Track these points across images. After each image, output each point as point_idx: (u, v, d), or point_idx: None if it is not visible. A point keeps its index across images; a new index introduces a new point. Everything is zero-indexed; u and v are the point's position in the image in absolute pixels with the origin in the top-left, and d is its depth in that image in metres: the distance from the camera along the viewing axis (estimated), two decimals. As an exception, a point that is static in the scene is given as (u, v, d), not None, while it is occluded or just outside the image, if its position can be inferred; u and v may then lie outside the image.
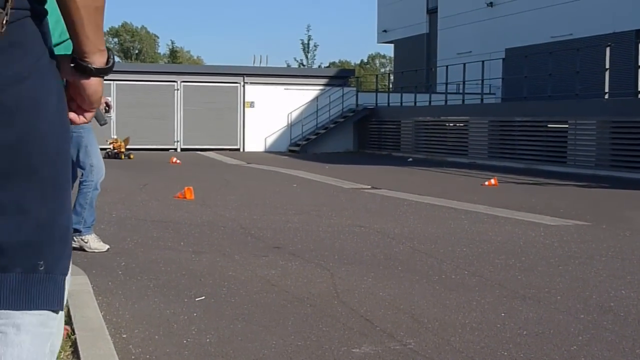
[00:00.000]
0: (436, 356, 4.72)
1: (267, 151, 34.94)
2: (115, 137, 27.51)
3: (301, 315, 5.68)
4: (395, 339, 5.08)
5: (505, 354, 4.79)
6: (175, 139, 34.53)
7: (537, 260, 8.11)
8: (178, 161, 25.98)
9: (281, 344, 4.93)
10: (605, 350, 4.89)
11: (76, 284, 5.97)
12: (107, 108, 7.73)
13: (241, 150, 34.96)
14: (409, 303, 6.09)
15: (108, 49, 2.09)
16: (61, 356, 4.28)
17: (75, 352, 4.31)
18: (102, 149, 28.89)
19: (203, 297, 6.16)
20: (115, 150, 27.30)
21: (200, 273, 7.16)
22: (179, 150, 34.02)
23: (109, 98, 7.60)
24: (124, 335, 5.02)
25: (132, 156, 27.34)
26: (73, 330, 4.65)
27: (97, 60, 2.00)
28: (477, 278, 7.16)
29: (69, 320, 4.97)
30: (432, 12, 43.56)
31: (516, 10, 35.53)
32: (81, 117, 2.13)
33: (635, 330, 5.37)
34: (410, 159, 29.00)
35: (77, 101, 2.12)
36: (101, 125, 6.91)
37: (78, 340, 4.43)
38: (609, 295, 6.50)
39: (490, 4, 37.50)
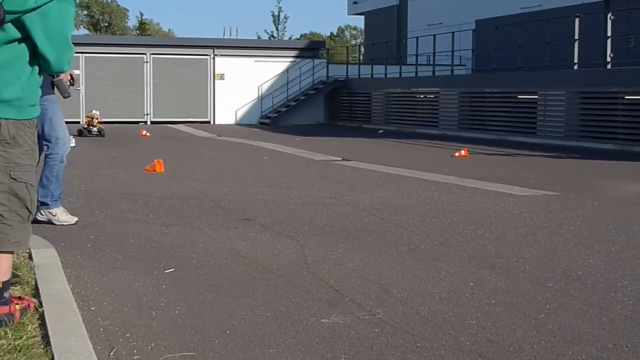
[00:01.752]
0: (405, 325, 4.73)
1: (237, 124, 34.82)
2: (95, 111, 25.53)
3: (270, 286, 5.68)
4: (364, 309, 5.09)
5: (474, 322, 4.82)
6: (145, 112, 34.29)
7: (506, 230, 8.15)
8: (148, 134, 25.81)
9: (250, 315, 4.93)
10: (572, 318, 4.93)
11: (44, 256, 5.94)
12: (71, 80, 7.62)
13: (211, 122, 34.81)
14: (378, 273, 6.10)
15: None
16: (29, 329, 4.25)
17: (43, 324, 4.28)
18: (70, 122, 28.52)
19: (172, 269, 6.14)
20: (93, 127, 24.85)
21: (170, 245, 7.14)
22: (148, 123, 33.81)
23: (76, 71, 7.51)
24: (93, 308, 4.99)
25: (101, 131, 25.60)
26: (41, 303, 4.62)
27: None
28: (446, 248, 7.18)
29: (36, 293, 4.94)
30: (402, -17, 43.46)
31: (486, -19, 35.53)
32: None
33: (602, 298, 5.41)
34: (381, 131, 29.02)
35: None
36: (65, 97, 6.81)
37: (45, 313, 4.40)
38: (576, 264, 6.55)
39: (461, -25, 37.46)
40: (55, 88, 7.06)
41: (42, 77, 4.59)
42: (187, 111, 34.57)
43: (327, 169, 15.00)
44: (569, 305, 5.22)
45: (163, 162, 14.03)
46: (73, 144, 19.54)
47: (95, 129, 24.56)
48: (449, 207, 9.77)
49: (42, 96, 5.80)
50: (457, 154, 18.02)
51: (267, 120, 34.42)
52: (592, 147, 20.37)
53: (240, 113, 35.42)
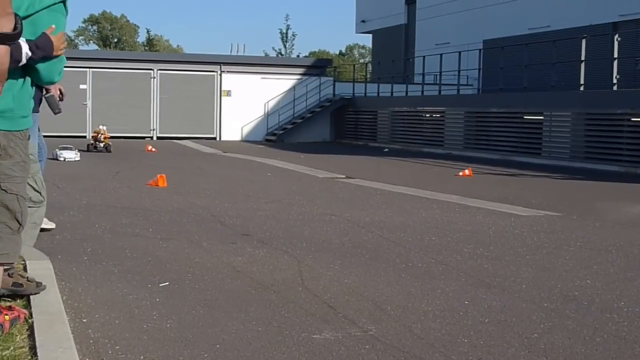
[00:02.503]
0: (396, 342, 4.71)
1: (243, 140, 34.83)
2: (102, 127, 24.88)
3: (264, 301, 5.66)
4: (356, 325, 5.07)
5: (466, 341, 4.79)
6: (152, 127, 34.33)
7: (506, 250, 8.12)
8: (153, 149, 25.84)
9: (242, 329, 4.91)
10: (566, 338, 4.90)
11: (39, 268, 5.92)
12: (60, 96, 7.60)
13: (217, 139, 34.82)
14: (373, 290, 6.08)
15: (16, 15, 1.99)
16: (17, 340, 4.24)
17: (32, 335, 4.27)
18: (77, 137, 28.51)
19: (167, 283, 6.13)
20: (100, 142, 24.16)
21: (166, 259, 7.13)
22: (155, 138, 33.83)
23: (61, 87, 7.47)
24: (84, 320, 4.98)
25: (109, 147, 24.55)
26: (31, 314, 4.61)
27: (4, 24, 1.89)
28: (444, 266, 7.16)
29: (27, 304, 4.92)
30: (410, 2, 43.46)
31: (494, 1, 35.54)
32: None
33: (597, 319, 5.38)
34: (387, 150, 29.00)
35: None
36: (55, 113, 6.80)
37: (35, 324, 4.39)
38: (574, 284, 6.51)
39: (469, -5, 37.53)
40: (47, 105, 7.04)
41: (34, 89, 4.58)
42: (194, 127, 34.59)
43: (330, 186, 14.99)
44: (563, 325, 5.19)
45: (166, 177, 14.04)
46: (77, 158, 19.63)
47: (102, 144, 24.13)
48: (450, 226, 9.75)
49: None
50: (461, 174, 18.00)
51: (273, 137, 34.43)
52: (597, 169, 20.32)
53: (247, 130, 35.44)
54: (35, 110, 7.39)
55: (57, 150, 20.11)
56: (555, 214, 11.17)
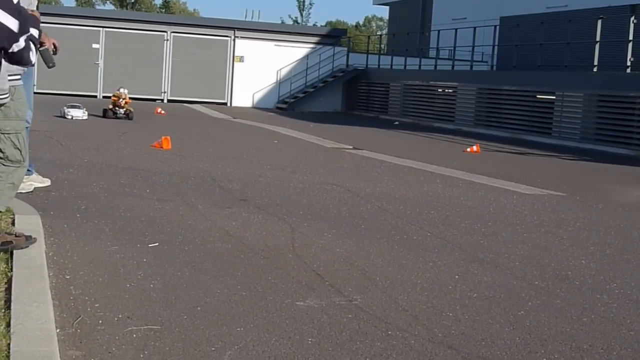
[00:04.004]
0: (380, 313, 4.65)
1: (254, 107, 34.70)
2: (123, 89, 21.43)
3: (253, 266, 5.61)
4: (342, 294, 5.02)
5: (451, 314, 4.74)
6: (163, 90, 34.22)
7: (503, 227, 8.04)
8: (163, 112, 25.76)
9: (225, 293, 4.86)
10: (552, 316, 4.84)
11: (27, 223, 5.89)
12: (54, 49, 7.51)
13: (228, 104, 34.71)
14: (364, 260, 6.02)
15: None
16: (-7, 292, 4.21)
17: (9, 289, 4.22)
18: (87, 96, 28.26)
19: (157, 244, 6.08)
20: (120, 108, 21.13)
21: (160, 220, 7.08)
22: (165, 101, 33.73)
23: (55, 40, 7.36)
24: (67, 277, 4.94)
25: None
26: (11, 268, 4.57)
27: None
28: (439, 240, 7.09)
29: (9, 259, 4.88)
30: (429, -25, 43.19)
31: (513, -22, 35.25)
32: None
33: (587, 299, 5.32)
34: (397, 123, 28.86)
35: None
36: (49, 67, 6.72)
37: (13, 278, 4.35)
38: (568, 263, 6.44)
39: (488, -29, 37.19)
40: (40, 58, 6.95)
41: None
42: (205, 91, 34.47)
43: (335, 156, 14.91)
44: (551, 304, 5.13)
45: (171, 139, 13.98)
46: (85, 117, 19.56)
47: (122, 110, 21.05)
48: (450, 201, 9.67)
49: None
50: (469, 150, 17.88)
51: (284, 105, 34.31)
52: (607, 151, 20.15)
53: (258, 96, 35.32)
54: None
55: (64, 108, 20.09)
56: (558, 194, 11.07)
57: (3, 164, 5.06)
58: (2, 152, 5.05)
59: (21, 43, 4.62)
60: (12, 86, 5.08)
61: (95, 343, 3.83)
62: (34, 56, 4.90)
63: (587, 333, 4.55)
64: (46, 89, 31.24)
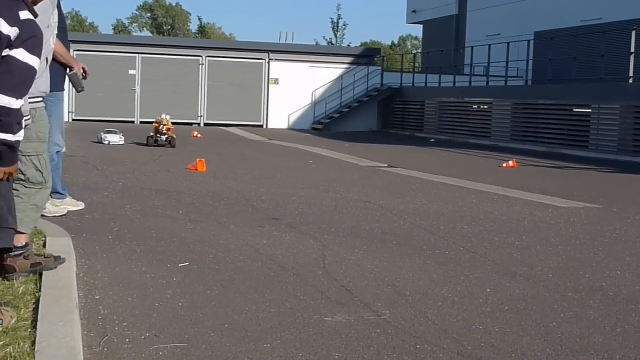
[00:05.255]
0: (409, 327, 4.62)
1: (290, 129, 34.79)
2: (166, 116, 20.30)
3: (282, 283, 5.60)
4: (371, 309, 4.98)
5: (481, 327, 4.68)
6: (199, 114, 34.45)
7: (538, 240, 7.96)
8: (199, 135, 25.91)
9: (254, 310, 4.85)
10: (585, 328, 4.77)
11: (59, 245, 5.93)
12: (84, 75, 7.59)
13: (264, 127, 34.82)
14: (395, 276, 5.98)
15: None
16: (22, 312, 4.22)
17: (37, 309, 4.25)
18: (124, 122, 28.36)
19: (187, 264, 6.09)
20: (162, 135, 20.06)
21: (191, 241, 7.10)
22: (202, 125, 33.94)
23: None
24: (97, 297, 4.96)
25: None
26: (40, 288, 4.60)
27: None
28: (471, 254, 7.03)
29: (39, 280, 4.91)
30: (462, -7, 43.15)
31: (547, -7, 35.10)
32: None
33: (621, 310, 5.24)
34: (433, 140, 28.78)
35: None
36: (78, 92, 6.79)
37: (42, 298, 4.37)
38: (602, 275, 6.36)
39: (521, -14, 37.07)
40: (70, 83, 7.02)
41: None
42: (241, 114, 34.64)
43: (370, 174, 14.88)
44: (584, 315, 5.06)
45: (206, 162, 14.04)
46: (122, 142, 19.71)
47: (164, 137, 20.02)
48: (485, 215, 9.60)
49: (50, 91, 5.79)
50: (505, 165, 17.78)
51: (319, 126, 34.36)
52: (646, 163, 19.94)
53: (293, 118, 35.42)
54: (60, 88, 7.40)
55: (102, 134, 20.26)
56: (595, 206, 10.95)
57: (25, 186, 5.10)
58: (24, 175, 5.09)
59: None
60: (34, 109, 5.13)
61: (122, 361, 3.84)
62: None
63: (620, 344, 4.48)
64: (84, 115, 31.66)
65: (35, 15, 4.10)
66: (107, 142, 19.81)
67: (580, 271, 6.48)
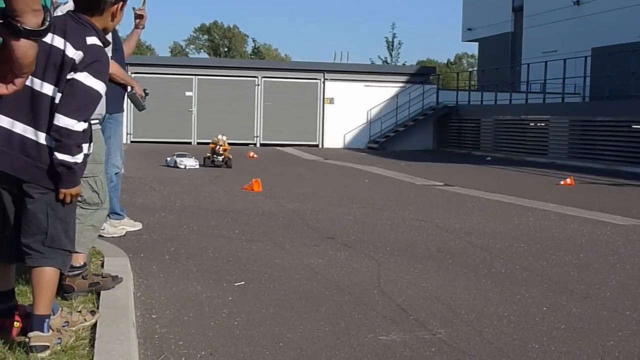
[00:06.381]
0: (464, 346, 4.60)
1: (345, 148, 34.86)
2: (222, 136, 20.44)
3: (337, 302, 5.61)
4: (426, 328, 4.98)
5: (537, 346, 4.65)
6: (255, 134, 34.70)
7: (595, 258, 7.88)
8: (255, 156, 26.08)
9: (309, 329, 4.87)
10: (643, 346, 4.71)
11: (116, 265, 6.02)
12: (143, 97, 7.71)
13: (320, 146, 34.95)
14: (450, 294, 5.96)
15: (45, 9, 1.97)
16: (80, 330, 4.29)
17: (94, 327, 4.32)
18: (182, 143, 28.42)
19: (242, 283, 6.14)
20: (218, 156, 20.21)
21: (247, 260, 7.15)
22: (258, 145, 34.16)
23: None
24: (154, 316, 5.02)
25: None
26: (97, 307, 4.67)
27: (30, 20, 1.88)
28: (528, 273, 6.98)
29: (97, 299, 4.99)
30: (517, 10, 42.87)
31: (603, 9, 34.70)
32: (10, 85, 2.03)
33: (681, 328, 5.16)
34: (489, 158, 28.60)
35: (10, 64, 2.01)
36: (140, 110, 6.90)
37: (99, 317, 4.44)
38: (662, 293, 6.27)
39: (577, 3, 36.73)
40: (130, 103, 7.12)
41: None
42: (296, 134, 34.81)
43: (425, 192, 14.84)
44: (643, 334, 4.99)
45: (262, 181, 14.12)
46: (197, 166, 19.31)
47: (220, 157, 20.09)
48: (541, 234, 9.51)
49: (109, 114, 5.88)
50: (562, 183, 17.60)
51: (375, 145, 34.37)
52: None
53: (349, 137, 35.48)
54: (119, 109, 7.51)
55: (175, 157, 19.72)
56: (654, 224, 10.80)
57: (82, 207, 5.18)
58: (81, 196, 5.18)
59: None
60: None
61: (178, 379, 3.89)
62: None
63: (679, 362, 4.41)
64: (142, 137, 32.07)
65: (105, 43, 4.17)
66: (182, 166, 19.10)
67: (638, 289, 6.39)
